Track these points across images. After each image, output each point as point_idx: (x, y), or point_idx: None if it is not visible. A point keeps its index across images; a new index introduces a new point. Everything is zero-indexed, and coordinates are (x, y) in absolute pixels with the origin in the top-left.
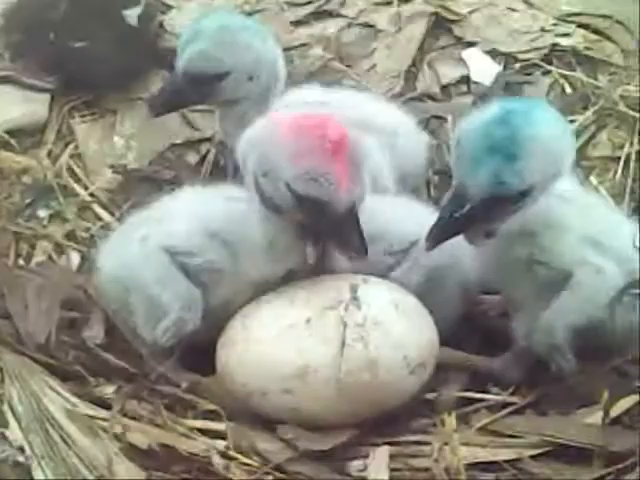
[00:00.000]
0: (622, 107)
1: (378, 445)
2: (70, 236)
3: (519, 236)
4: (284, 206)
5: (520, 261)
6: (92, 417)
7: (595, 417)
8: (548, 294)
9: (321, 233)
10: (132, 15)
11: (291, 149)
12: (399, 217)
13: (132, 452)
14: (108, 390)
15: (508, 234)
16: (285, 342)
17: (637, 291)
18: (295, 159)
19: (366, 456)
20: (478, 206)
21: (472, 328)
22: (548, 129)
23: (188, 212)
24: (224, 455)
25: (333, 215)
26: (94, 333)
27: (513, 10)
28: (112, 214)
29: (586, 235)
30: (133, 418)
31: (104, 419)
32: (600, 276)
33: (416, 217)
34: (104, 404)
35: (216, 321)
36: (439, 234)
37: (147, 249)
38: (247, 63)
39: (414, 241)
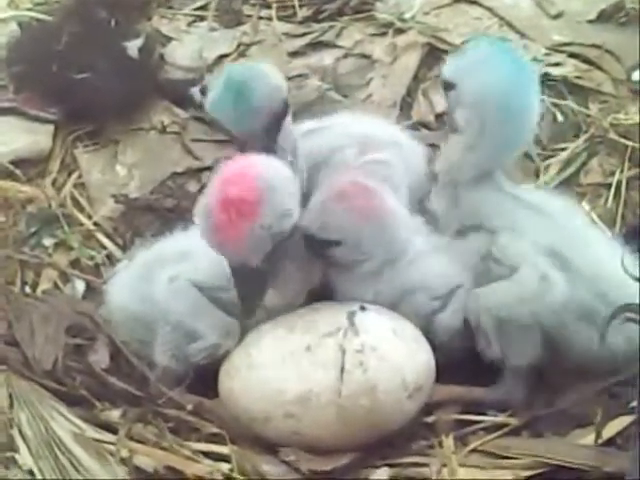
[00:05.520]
0: (613, 135)
1: (378, 467)
2: (75, 264)
3: (480, 230)
4: None
5: (478, 255)
6: (99, 441)
7: (589, 438)
8: None
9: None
10: (133, 47)
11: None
12: (440, 261)
13: (138, 475)
14: (114, 414)
15: (467, 228)
16: (286, 368)
17: (631, 315)
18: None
19: (366, 478)
20: None
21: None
22: None
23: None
24: (228, 478)
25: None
26: (99, 358)
27: (505, 40)
28: (115, 243)
29: (544, 245)
30: (139, 441)
31: (111, 443)
32: (543, 284)
33: (459, 260)
34: (110, 428)
35: None
36: None
37: (177, 287)
38: None
39: (458, 284)
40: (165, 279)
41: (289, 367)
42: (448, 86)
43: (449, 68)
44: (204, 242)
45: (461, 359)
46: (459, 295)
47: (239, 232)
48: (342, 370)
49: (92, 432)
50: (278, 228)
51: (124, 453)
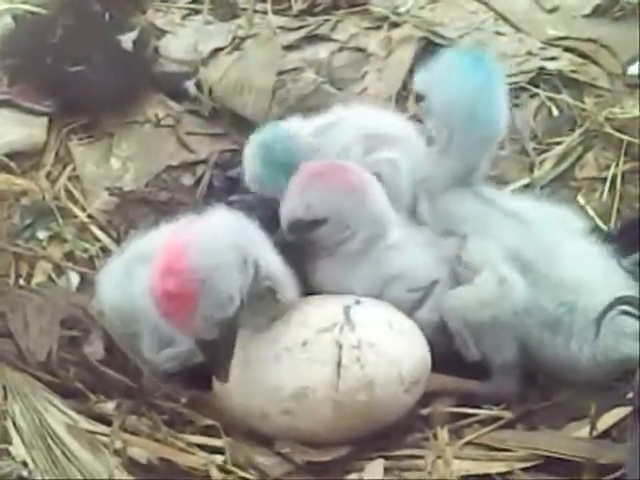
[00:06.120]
0: (608, 129)
1: (373, 459)
2: (69, 257)
3: (452, 235)
4: None
5: (448, 259)
6: (93, 432)
7: (584, 431)
8: None
9: None
10: (127, 40)
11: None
12: (420, 254)
13: (132, 467)
14: (108, 406)
15: (442, 233)
16: (283, 364)
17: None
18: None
19: (361, 470)
20: None
21: None
22: None
23: None
24: (222, 469)
25: None
26: (94, 349)
27: (500, 34)
28: (110, 235)
29: (510, 249)
30: (133, 433)
31: (104, 434)
32: (501, 287)
33: (437, 254)
34: (104, 420)
35: None
36: None
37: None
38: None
39: (435, 279)
40: (144, 276)
41: (285, 363)
42: (419, 97)
43: (419, 80)
44: None
45: (452, 354)
46: (437, 291)
47: (184, 320)
48: (339, 365)
49: (85, 424)
50: (220, 315)
51: (118, 444)
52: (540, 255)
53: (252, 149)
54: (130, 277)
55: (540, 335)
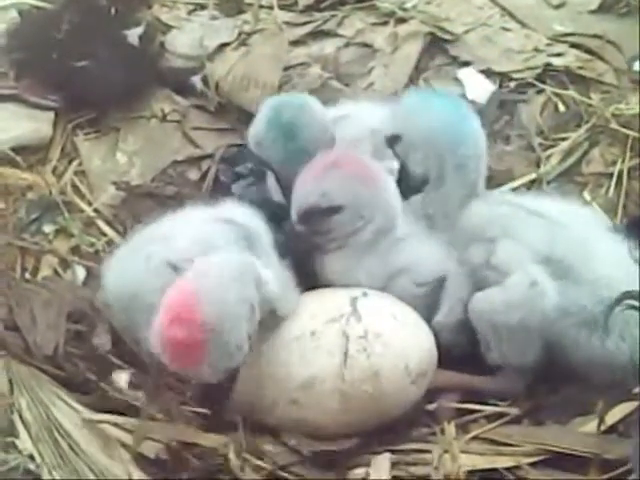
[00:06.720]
0: (614, 125)
1: (380, 453)
2: (75, 251)
3: (478, 241)
4: None
5: (474, 264)
6: (100, 422)
7: (591, 426)
8: None
9: None
10: (133, 35)
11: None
12: (426, 248)
13: (141, 460)
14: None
15: (467, 238)
16: (291, 354)
17: (633, 303)
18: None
19: (368, 464)
20: None
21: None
22: None
23: (188, 235)
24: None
25: None
26: (102, 341)
27: (507, 30)
28: (116, 230)
29: (542, 251)
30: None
31: (109, 422)
32: (532, 290)
33: (443, 249)
34: (112, 413)
35: None
36: None
37: (152, 266)
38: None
39: (443, 277)
40: (142, 257)
41: (294, 353)
42: (394, 140)
43: (389, 125)
44: (185, 223)
45: (462, 350)
46: (449, 290)
47: (189, 366)
48: (346, 356)
49: (92, 417)
50: (228, 364)
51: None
52: (572, 252)
53: (264, 108)
54: (134, 261)
55: (576, 335)
